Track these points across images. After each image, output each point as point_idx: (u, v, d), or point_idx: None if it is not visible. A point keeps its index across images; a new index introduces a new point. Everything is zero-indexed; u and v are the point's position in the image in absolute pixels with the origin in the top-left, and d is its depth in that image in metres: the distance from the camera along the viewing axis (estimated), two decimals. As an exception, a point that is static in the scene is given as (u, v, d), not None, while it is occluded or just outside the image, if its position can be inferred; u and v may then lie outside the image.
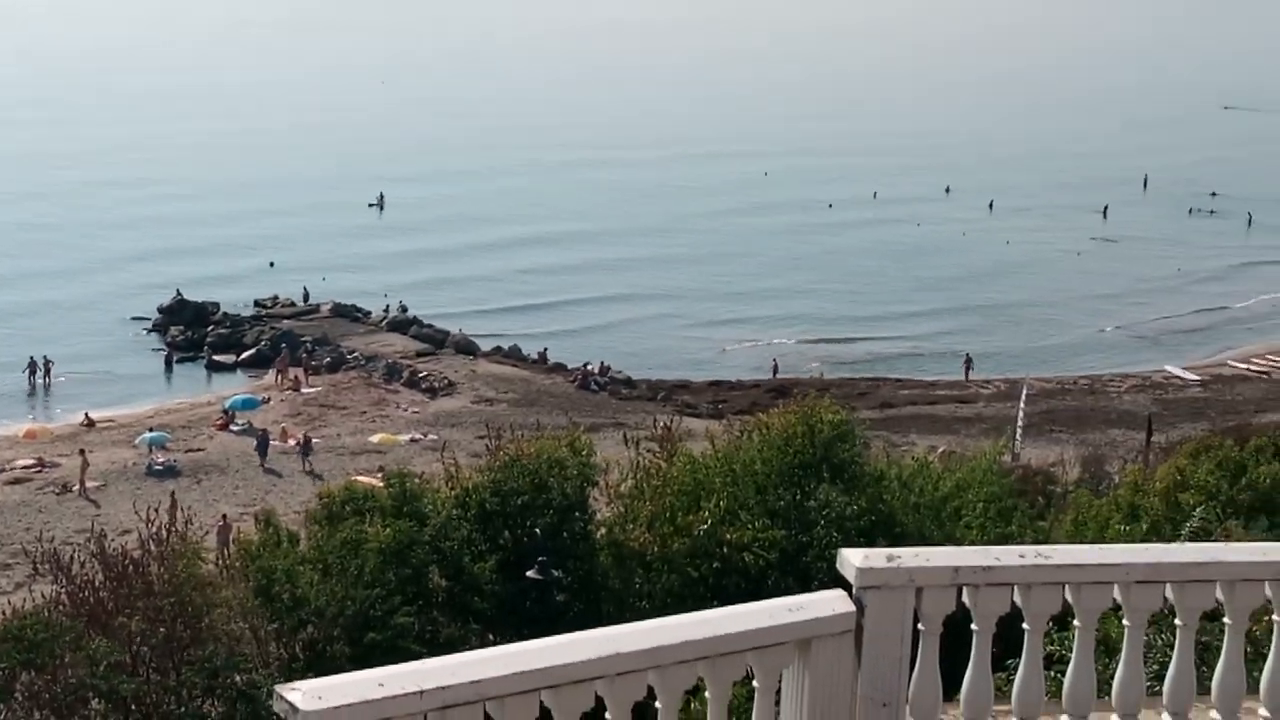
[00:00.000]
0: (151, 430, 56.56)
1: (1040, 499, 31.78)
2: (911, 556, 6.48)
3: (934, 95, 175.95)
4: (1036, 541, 21.10)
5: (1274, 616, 6.95)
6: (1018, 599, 6.58)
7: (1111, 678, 6.95)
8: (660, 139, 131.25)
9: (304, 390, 63.99)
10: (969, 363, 69.55)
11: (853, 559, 6.38)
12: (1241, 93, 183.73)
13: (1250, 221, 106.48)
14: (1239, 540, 15.44)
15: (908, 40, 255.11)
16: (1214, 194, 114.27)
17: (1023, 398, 56.33)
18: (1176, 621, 6.85)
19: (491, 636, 19.75)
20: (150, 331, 73.49)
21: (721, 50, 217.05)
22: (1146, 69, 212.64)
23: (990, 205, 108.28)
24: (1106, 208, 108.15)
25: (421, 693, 5.09)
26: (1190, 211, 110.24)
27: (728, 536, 21.09)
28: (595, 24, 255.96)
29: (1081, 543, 18.91)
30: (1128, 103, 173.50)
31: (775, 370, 67.92)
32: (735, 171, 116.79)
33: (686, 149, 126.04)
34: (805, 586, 17.71)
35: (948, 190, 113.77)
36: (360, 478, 39.43)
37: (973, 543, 20.65)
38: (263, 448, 53.35)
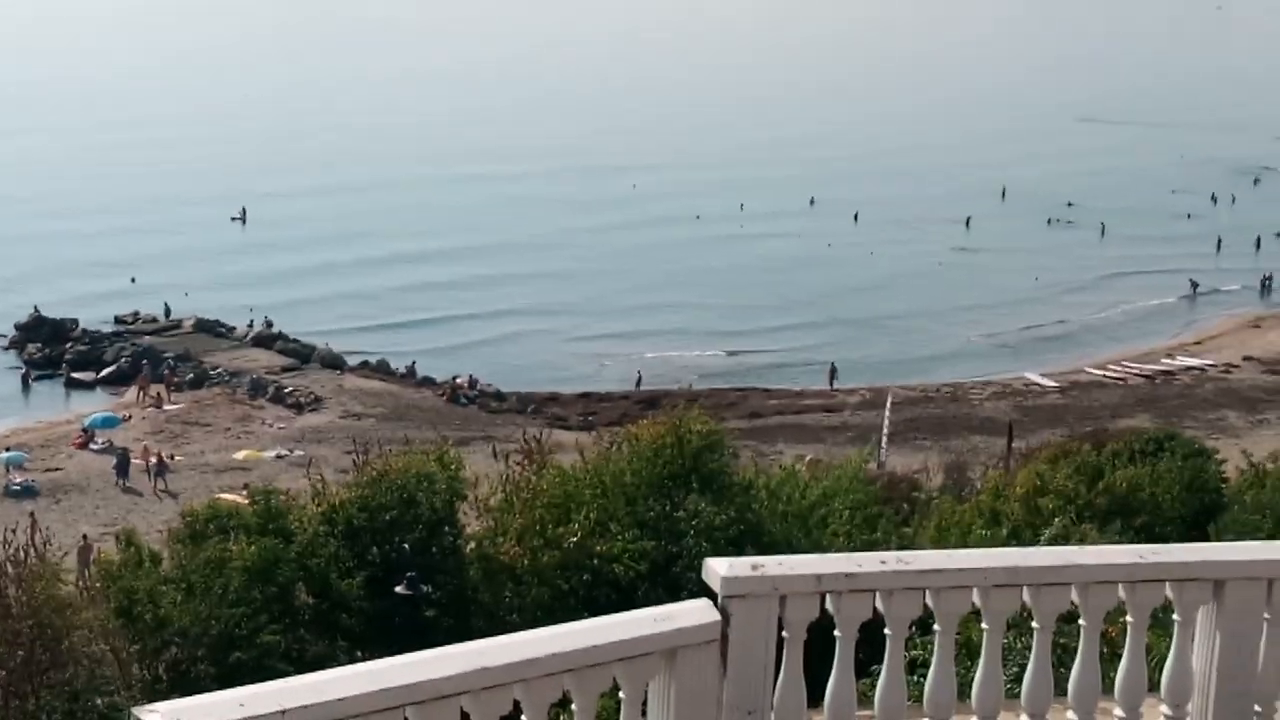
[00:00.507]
0: (8, 450, 55.26)
1: (905, 505, 32.21)
2: (775, 565, 6.54)
3: (797, 103, 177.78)
4: (901, 548, 21.40)
5: (1127, 618, 7.13)
6: (879, 605, 6.66)
7: (972, 680, 7.07)
8: (533, 151, 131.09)
9: (166, 407, 62.90)
10: (833, 372, 70.42)
11: (718, 568, 6.43)
12: (1096, 105, 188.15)
13: (1103, 231, 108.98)
14: (1095, 543, 15.81)
15: (765, 45, 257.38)
16: (1070, 204, 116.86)
17: (888, 406, 57.10)
18: (1034, 624, 6.99)
19: (360, 654, 19.51)
20: (6, 349, 71.78)
21: (591, 62, 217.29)
22: (1003, 82, 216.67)
23: (855, 217, 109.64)
24: (969, 219, 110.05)
25: (284, 712, 5.03)
26: (1050, 222, 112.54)
27: (598, 548, 21.10)
28: (473, 34, 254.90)
29: (945, 548, 19.24)
30: (985, 115, 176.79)
31: (639, 382, 68.20)
32: (604, 185, 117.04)
33: (559, 161, 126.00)
34: (675, 596, 17.74)
35: (812, 202, 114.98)
36: (224, 495, 38.84)
37: (839, 550, 20.89)
38: (123, 467, 52.36)
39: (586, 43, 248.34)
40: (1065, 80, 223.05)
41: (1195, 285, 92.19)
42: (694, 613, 6.30)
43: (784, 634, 6.50)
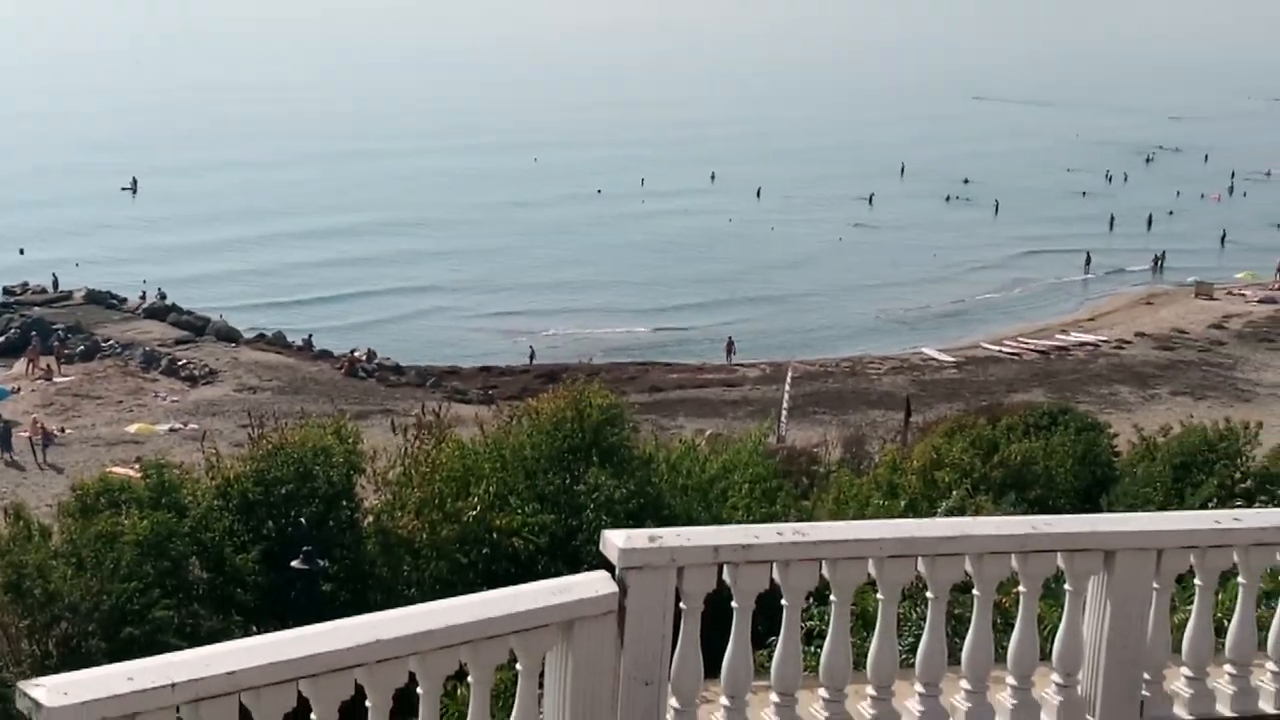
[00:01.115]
0: (-108, 423, 53.98)
1: (804, 479, 32.36)
2: (673, 537, 6.53)
3: (704, 86, 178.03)
4: (800, 520, 21.53)
5: (1020, 588, 7.20)
6: (776, 576, 6.67)
7: (868, 651, 7.11)
8: (437, 128, 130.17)
9: (57, 380, 61.77)
10: (730, 346, 70.72)
11: (615, 540, 6.41)
12: (991, 84, 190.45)
13: (997, 209, 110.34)
14: (990, 515, 15.99)
15: (685, 34, 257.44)
16: (967, 181, 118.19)
17: (787, 380, 57.39)
18: (928, 594, 7.04)
19: (255, 629, 19.33)
20: (-109, 320, 70.16)
21: (499, 40, 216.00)
22: (902, 63, 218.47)
23: (758, 193, 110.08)
24: (872, 196, 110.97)
25: (173, 685, 4.94)
26: (948, 199, 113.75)
27: (497, 522, 20.99)
28: (377, 9, 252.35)
29: (843, 520, 19.38)
30: (883, 94, 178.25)
31: (532, 357, 68.06)
32: (506, 161, 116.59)
33: (460, 138, 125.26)
34: (575, 570, 17.67)
35: (713, 178, 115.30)
36: (116, 469, 38.20)
37: (738, 523, 20.97)
38: (4, 440, 51.40)
39: (486, 19, 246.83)
40: (960, 60, 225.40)
41: (1089, 261, 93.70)
42: (591, 584, 6.27)
43: (681, 605, 6.50)
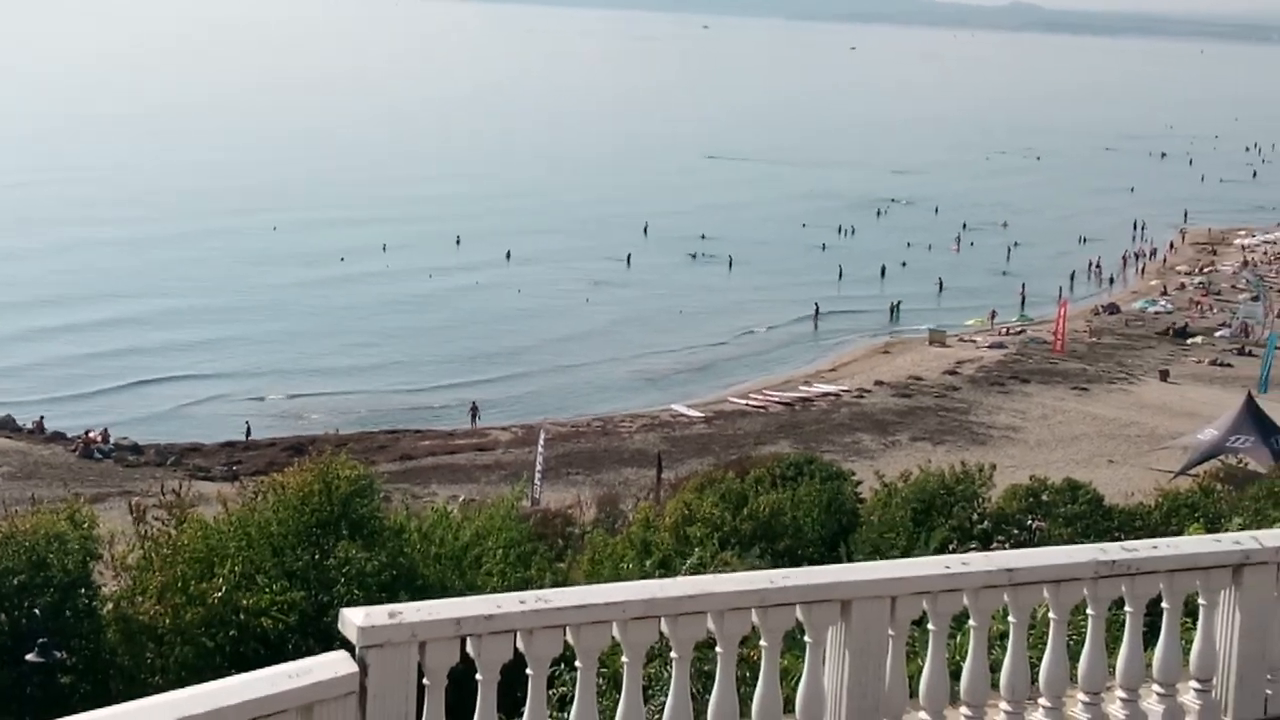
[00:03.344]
0: None
1: (560, 541, 32.42)
2: (414, 611, 6.46)
3: (435, 146, 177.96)
4: (556, 583, 21.51)
5: (762, 643, 7.32)
6: (520, 645, 6.65)
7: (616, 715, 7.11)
8: (161, 196, 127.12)
9: None
10: (475, 410, 70.42)
11: (354, 618, 6.31)
12: (721, 143, 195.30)
13: (731, 264, 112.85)
14: (736, 569, 16.23)
15: (403, 92, 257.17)
16: (704, 237, 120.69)
17: (540, 442, 57.43)
18: (672, 654, 7.10)
19: (-11, 729, 18.43)
20: None
21: (218, 108, 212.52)
22: (636, 124, 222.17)
23: (507, 255, 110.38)
24: (630, 256, 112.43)
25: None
26: (694, 257, 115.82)
27: (244, 602, 20.42)
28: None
29: (598, 581, 19.45)
30: (624, 154, 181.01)
31: (248, 432, 66.14)
32: (241, 224, 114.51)
33: (195, 204, 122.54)
34: (328, 647, 17.30)
35: (458, 241, 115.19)
36: None
37: (494, 589, 20.85)
38: None
39: (214, 88, 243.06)
40: (695, 119, 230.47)
41: (818, 312, 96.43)
42: (330, 665, 6.16)
43: (425, 681, 6.42)
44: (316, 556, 21.45)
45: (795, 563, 24.93)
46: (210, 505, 26.26)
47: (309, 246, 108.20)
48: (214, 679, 6.23)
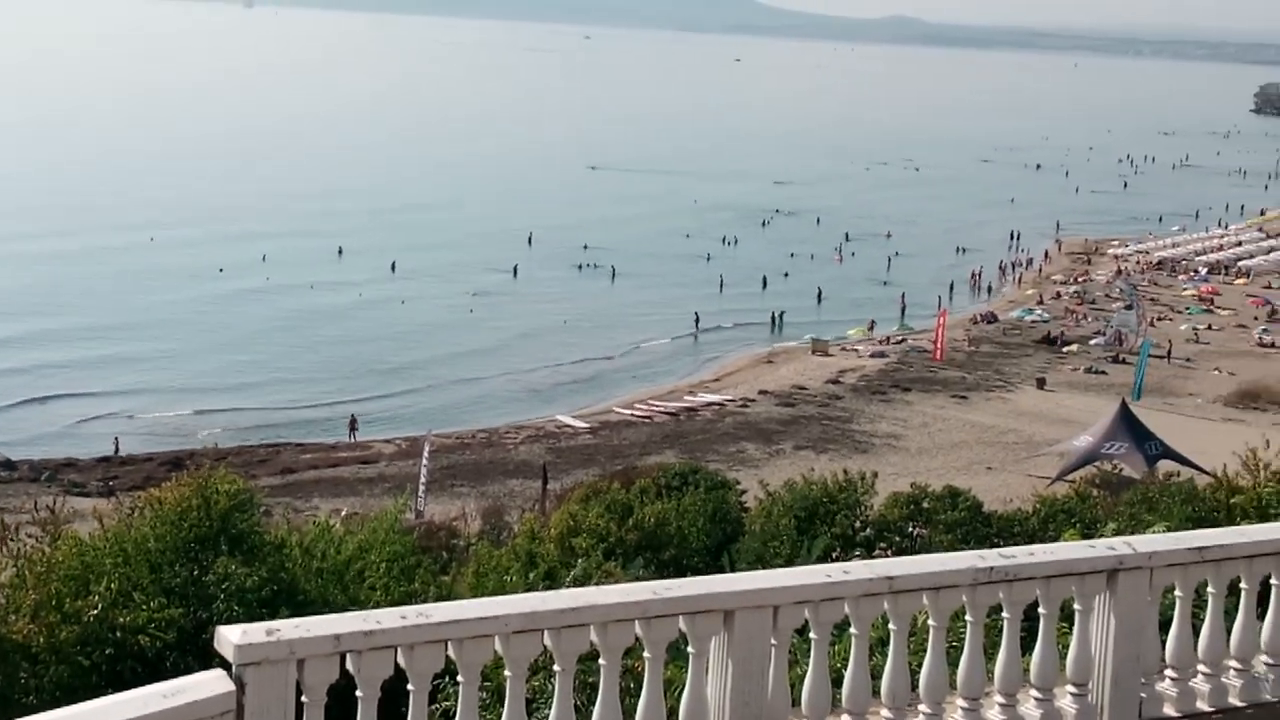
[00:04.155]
0: None
1: (444, 553, 32.20)
2: (292, 628, 6.37)
3: (333, 158, 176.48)
4: (440, 596, 21.35)
5: (645, 654, 7.30)
6: (401, 661, 6.58)
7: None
8: (39, 206, 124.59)
9: None
10: (353, 423, 69.75)
11: (230, 636, 6.21)
12: (604, 155, 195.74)
13: (614, 274, 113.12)
14: (620, 580, 16.22)
15: (283, 104, 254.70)
16: (585, 247, 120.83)
17: (424, 454, 57.07)
18: (555, 667, 7.07)
19: None
20: None
21: (103, 117, 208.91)
22: (519, 135, 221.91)
23: (392, 267, 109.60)
24: (516, 267, 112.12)
25: None
26: (580, 268, 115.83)
27: (122, 620, 20.01)
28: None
29: (483, 594, 19.34)
30: (507, 165, 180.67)
31: (117, 448, 65.01)
32: (120, 238, 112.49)
33: (71, 218, 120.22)
34: (207, 665, 17.04)
35: (340, 252, 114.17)
36: None
37: (378, 604, 20.65)
38: None
39: (91, 99, 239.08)
40: (577, 130, 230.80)
41: (698, 322, 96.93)
42: (206, 685, 6.05)
43: (304, 699, 6.33)
44: (195, 572, 21.07)
45: (680, 572, 25.00)
46: (86, 521, 25.78)
47: (187, 259, 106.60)
48: (90, 698, 6.11)
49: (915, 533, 29.21)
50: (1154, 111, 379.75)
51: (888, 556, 23.00)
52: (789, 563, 22.46)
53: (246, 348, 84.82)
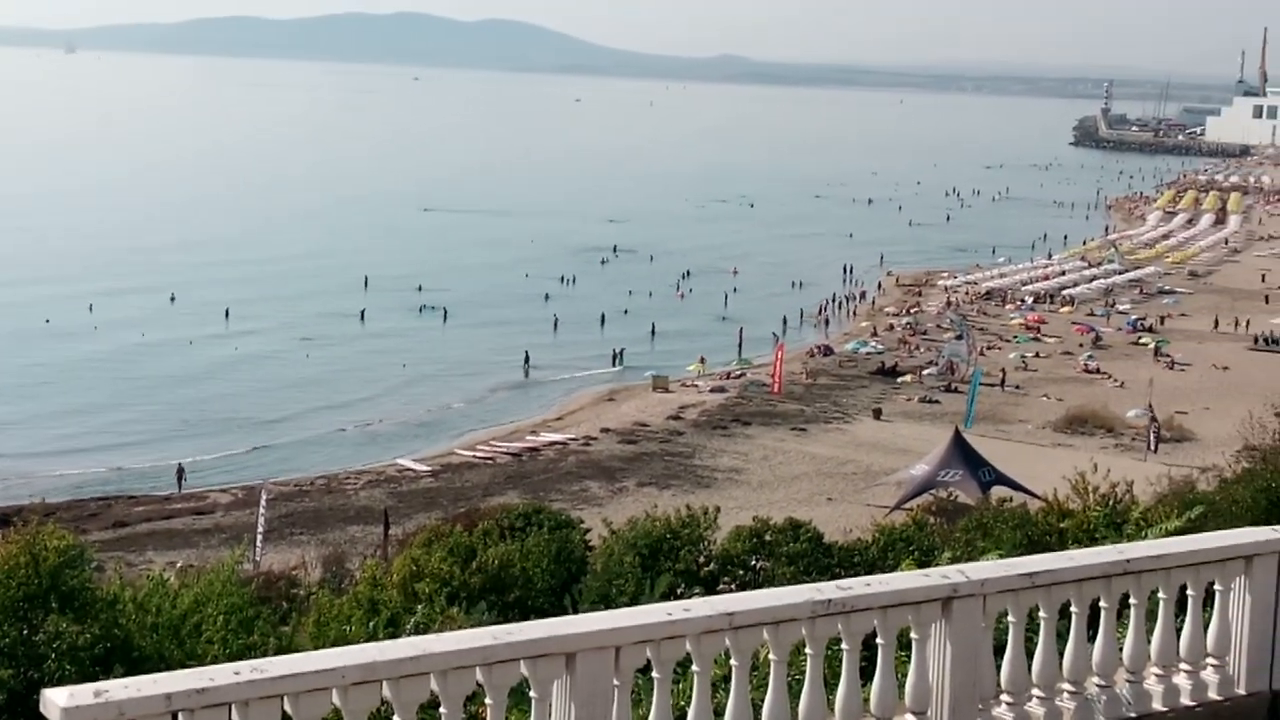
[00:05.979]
0: None
1: (284, 603, 31.68)
2: (121, 688, 6.19)
3: (145, 208, 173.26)
4: (280, 649, 20.97)
5: (488, 700, 7.24)
6: (237, 718, 6.44)
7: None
8: None
9: None
10: (181, 473, 68.30)
11: (56, 699, 6.02)
12: (436, 197, 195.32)
13: (446, 315, 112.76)
14: (463, 626, 16.08)
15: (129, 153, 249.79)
16: (420, 288, 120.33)
17: (262, 503, 56.13)
18: (395, 718, 6.97)
19: None
20: None
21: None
22: (350, 179, 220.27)
23: (226, 313, 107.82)
24: (364, 311, 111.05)
25: None
26: (420, 310, 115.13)
27: (-54, 684, 19.37)
28: None
29: (325, 643, 19.04)
30: (340, 209, 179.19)
31: None
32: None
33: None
34: (37, 728, 16.53)
35: (173, 299, 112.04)
36: None
37: (215, 658, 20.21)
38: None
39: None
40: (408, 172, 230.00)
41: (528, 360, 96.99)
42: (31, 752, 5.86)
43: (135, 761, 6.16)
44: (24, 632, 20.50)
45: (525, 614, 24.88)
46: (-95, 584, 24.88)
47: (8, 307, 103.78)
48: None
49: (758, 565, 29.49)
50: (978, 145, 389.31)
51: (731, 591, 23.14)
52: (633, 601, 22.49)
53: (76, 397, 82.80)
